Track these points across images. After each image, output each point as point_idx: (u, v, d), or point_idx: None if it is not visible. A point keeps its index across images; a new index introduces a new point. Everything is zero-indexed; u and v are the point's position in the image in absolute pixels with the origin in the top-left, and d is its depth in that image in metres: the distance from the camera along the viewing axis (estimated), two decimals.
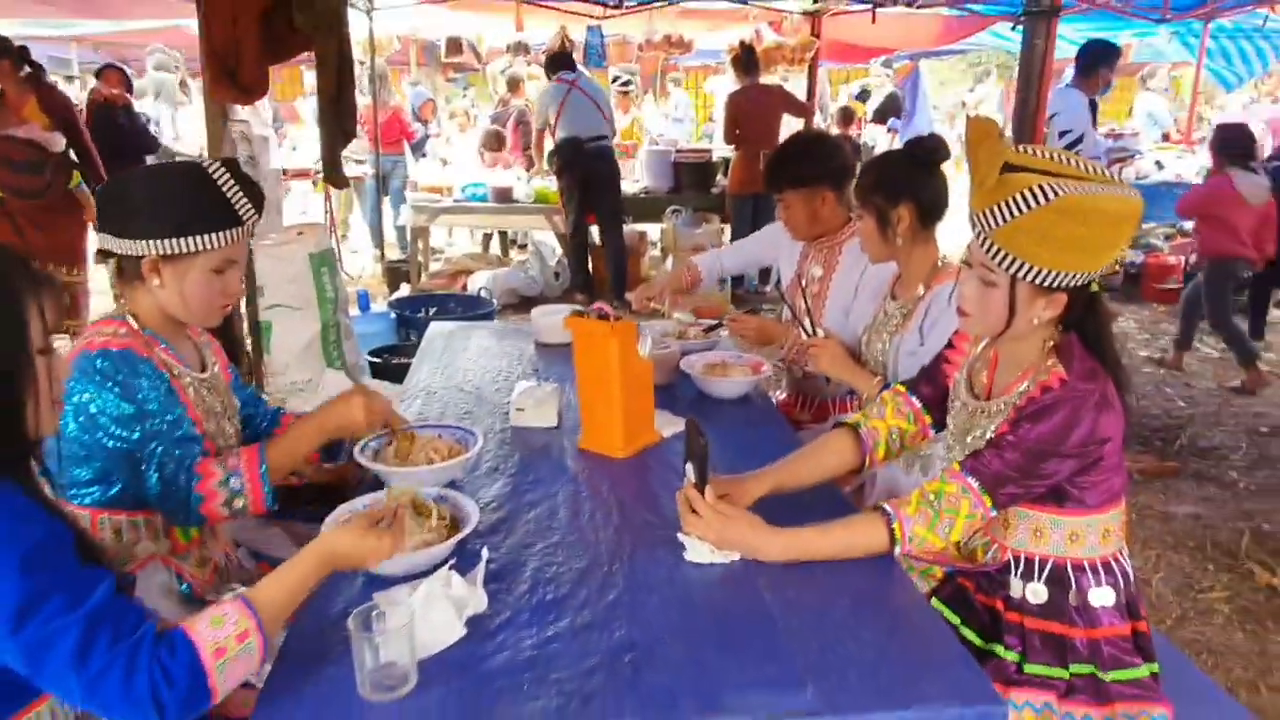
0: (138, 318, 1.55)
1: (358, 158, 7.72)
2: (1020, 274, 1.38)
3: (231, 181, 1.52)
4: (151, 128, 6.85)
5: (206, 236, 1.49)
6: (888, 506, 1.47)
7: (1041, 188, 1.32)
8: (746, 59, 6.55)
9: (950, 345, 1.73)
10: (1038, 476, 1.42)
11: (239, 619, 1.10)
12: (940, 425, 1.73)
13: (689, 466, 1.51)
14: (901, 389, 1.76)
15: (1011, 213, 1.35)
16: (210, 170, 1.51)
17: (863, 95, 10.62)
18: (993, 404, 1.54)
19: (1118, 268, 1.47)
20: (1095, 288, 1.44)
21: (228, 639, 1.08)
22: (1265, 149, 8.34)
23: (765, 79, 6.91)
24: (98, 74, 6.30)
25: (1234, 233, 4.88)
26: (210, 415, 1.63)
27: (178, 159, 5.71)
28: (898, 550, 1.45)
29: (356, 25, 6.70)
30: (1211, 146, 5.23)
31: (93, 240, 1.54)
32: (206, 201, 1.50)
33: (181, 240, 1.48)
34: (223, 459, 1.53)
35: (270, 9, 3.45)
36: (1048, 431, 1.39)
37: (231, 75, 3.37)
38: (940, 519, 1.43)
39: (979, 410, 1.56)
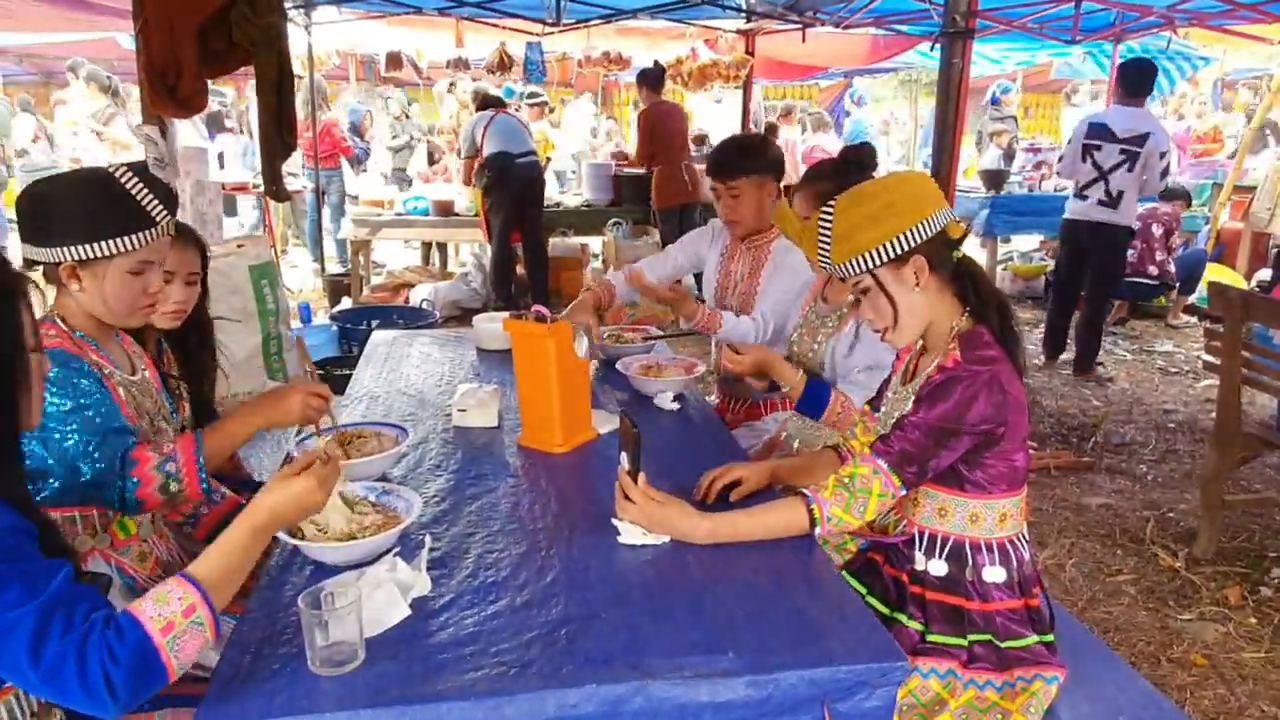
0: (65, 320, 1.59)
1: (291, 172, 7.67)
2: (870, 265, 1.55)
3: (139, 184, 1.54)
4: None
5: (118, 240, 1.51)
6: (807, 490, 1.58)
7: (829, 204, 1.58)
8: (654, 76, 6.67)
9: (896, 356, 1.87)
10: (938, 455, 1.53)
11: (183, 594, 1.12)
12: None
13: (623, 455, 1.60)
14: (868, 409, 1.90)
15: (826, 233, 1.57)
16: (117, 174, 1.53)
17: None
18: (908, 388, 1.67)
19: (956, 220, 1.66)
20: (957, 254, 1.59)
21: (174, 614, 1.10)
22: (1173, 165, 8.79)
23: (702, 95, 7.09)
24: None
25: None
26: (143, 414, 1.67)
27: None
28: (817, 531, 1.56)
29: (294, 40, 6.70)
30: None
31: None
32: (115, 205, 1.52)
33: (94, 245, 1.50)
34: (158, 445, 1.58)
35: (208, 24, 3.48)
36: (945, 410, 1.51)
37: (170, 89, 3.39)
38: (855, 500, 1.54)
39: (902, 395, 1.70)
